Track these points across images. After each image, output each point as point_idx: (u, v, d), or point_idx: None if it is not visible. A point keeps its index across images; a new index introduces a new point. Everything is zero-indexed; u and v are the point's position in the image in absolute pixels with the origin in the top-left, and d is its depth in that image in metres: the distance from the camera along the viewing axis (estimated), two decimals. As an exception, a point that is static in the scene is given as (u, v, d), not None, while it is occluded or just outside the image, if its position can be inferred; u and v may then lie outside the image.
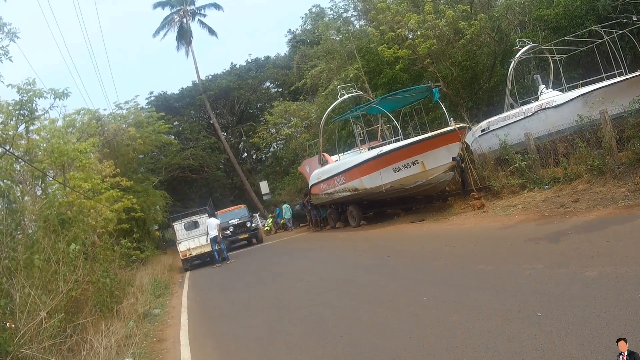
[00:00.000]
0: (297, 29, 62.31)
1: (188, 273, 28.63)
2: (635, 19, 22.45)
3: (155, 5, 66.16)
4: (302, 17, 61.37)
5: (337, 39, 39.77)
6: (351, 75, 35.05)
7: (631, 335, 6.03)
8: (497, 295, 9.36)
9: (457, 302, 9.62)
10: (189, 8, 66.71)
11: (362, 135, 30.91)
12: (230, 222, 39.31)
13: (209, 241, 29.28)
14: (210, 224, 29.18)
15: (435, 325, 8.68)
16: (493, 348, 7.01)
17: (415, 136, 25.48)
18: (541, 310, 7.84)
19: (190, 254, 29.79)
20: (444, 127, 23.38)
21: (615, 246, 10.47)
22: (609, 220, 12.89)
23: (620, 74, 20.77)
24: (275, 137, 55.35)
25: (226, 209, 43.37)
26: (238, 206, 44.70)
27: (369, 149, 28.15)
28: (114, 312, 14.42)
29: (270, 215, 49.96)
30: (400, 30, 32.54)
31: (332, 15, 45.75)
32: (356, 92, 30.90)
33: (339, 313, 11.36)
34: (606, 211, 14.00)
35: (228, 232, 38.00)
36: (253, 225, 41.09)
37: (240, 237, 39.25)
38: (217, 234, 28.71)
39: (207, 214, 31.92)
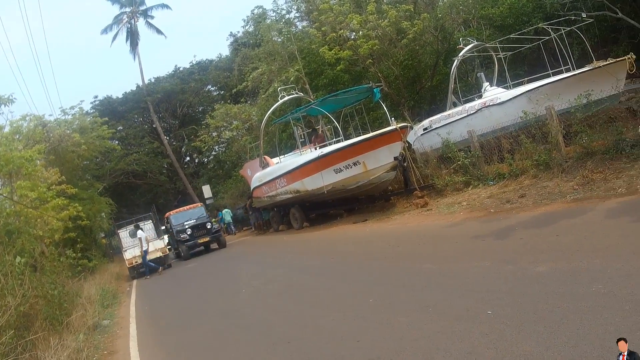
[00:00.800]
0: (238, 32, 61.52)
1: (135, 281, 27.76)
2: (585, 16, 22.38)
3: (107, -1, 64.34)
4: (244, 19, 60.67)
5: (279, 40, 39.17)
6: (292, 77, 34.37)
7: (588, 329, 5.96)
8: (445, 295, 9.08)
9: (404, 303, 9.37)
10: (138, 9, 65.33)
11: (303, 137, 29.84)
12: (185, 224, 33.09)
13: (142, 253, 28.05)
14: (142, 237, 28.11)
15: (383, 327, 8.34)
16: (444, 349, 6.72)
17: (357, 137, 25.10)
18: (491, 309, 7.55)
19: (136, 262, 28.57)
20: (385, 127, 22.90)
21: (566, 240, 10.23)
22: (558, 215, 12.61)
23: (568, 70, 20.59)
24: (217, 140, 54.85)
25: (180, 209, 36.49)
26: (194, 205, 38.63)
27: (314, 145, 27.40)
28: (63, 325, 13.84)
29: (214, 220, 48.71)
30: (342, 31, 31.90)
31: (274, 17, 44.83)
32: (297, 93, 30.13)
33: (286, 318, 11.07)
34: (554, 206, 13.70)
35: (185, 235, 32.45)
36: (214, 226, 34.67)
37: (200, 241, 32.89)
38: (145, 247, 27.82)
39: (150, 221, 31.91)
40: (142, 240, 27.70)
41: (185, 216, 34.23)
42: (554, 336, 6.06)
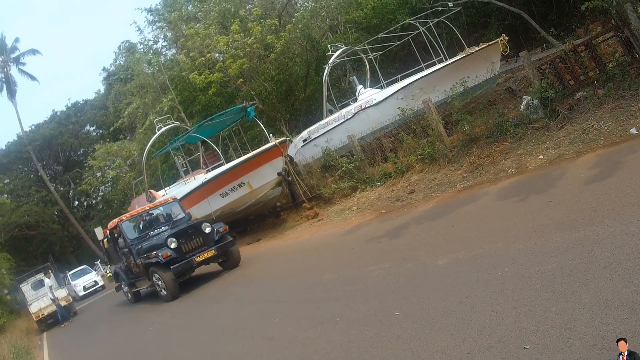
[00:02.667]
0: (111, 66, 59.86)
1: (45, 334, 25.92)
2: (452, 5, 22.18)
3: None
4: (115, 52, 59.22)
5: (149, 72, 38.10)
6: (166, 107, 33.43)
7: (502, 314, 5.84)
8: (349, 303, 8.74)
9: (310, 318, 8.99)
10: (9, 57, 61.85)
11: (185, 165, 28.64)
12: (162, 233, 17.96)
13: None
14: (50, 285, 26.14)
15: (293, 345, 8.03)
16: (359, 358, 6.46)
17: (237, 158, 24.51)
18: (399, 309, 7.34)
19: (42, 314, 26.66)
20: (264, 145, 22.25)
21: (462, 229, 10.04)
22: (451, 205, 12.45)
23: (440, 61, 20.42)
24: (101, 180, 53.09)
25: (137, 210, 21.08)
26: (162, 200, 22.82)
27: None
28: None
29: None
30: (209, 54, 30.73)
31: (142, 49, 43.29)
32: (173, 123, 29.16)
33: (195, 350, 10.37)
34: (445, 196, 13.52)
35: (165, 252, 16.32)
36: (218, 229, 17.68)
37: (199, 258, 16.79)
38: (53, 295, 25.51)
39: (49, 271, 29.70)
40: (51, 289, 25.93)
41: (156, 221, 19.23)
42: (468, 327, 5.90)
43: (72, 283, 39.69)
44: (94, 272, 42.65)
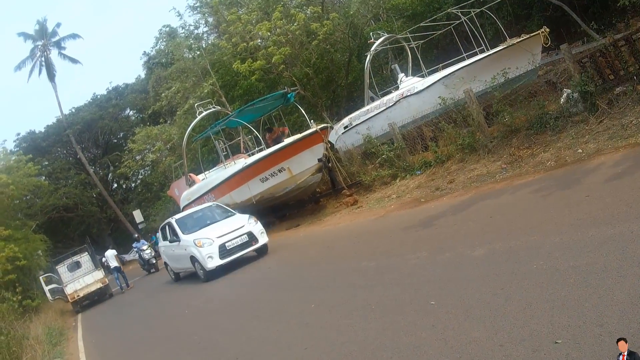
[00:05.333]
0: (152, 50, 59.48)
1: (80, 315, 26.44)
2: None
3: (19, 35, 61.88)
4: (156, 37, 59.58)
5: (190, 56, 38.38)
6: (207, 92, 33.76)
7: (535, 307, 5.89)
8: (386, 291, 8.85)
9: (345, 305, 9.07)
10: (50, 41, 62.81)
11: (225, 150, 28.93)
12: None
13: (106, 274, 28.87)
14: (109, 256, 29.96)
15: (328, 331, 8.17)
16: (392, 346, 6.52)
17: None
18: (434, 299, 7.41)
19: (78, 296, 27.26)
20: (305, 131, 22.32)
21: (500, 221, 10.22)
22: (489, 196, 12.59)
23: (482, 52, 20.50)
24: (141, 164, 53.48)
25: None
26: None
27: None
28: None
29: (148, 244, 47.32)
30: (252, 42, 31.05)
31: (183, 34, 43.71)
32: (214, 107, 29.44)
33: (230, 334, 10.73)
34: (485, 187, 13.62)
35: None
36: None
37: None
38: (117, 264, 29.54)
39: (86, 253, 30.75)
40: (112, 257, 29.82)
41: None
42: (501, 318, 5.97)
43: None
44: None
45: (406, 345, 6.35)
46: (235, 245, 17.23)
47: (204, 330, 12.03)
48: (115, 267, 29.68)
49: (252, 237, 17.61)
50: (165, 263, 22.35)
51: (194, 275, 18.88)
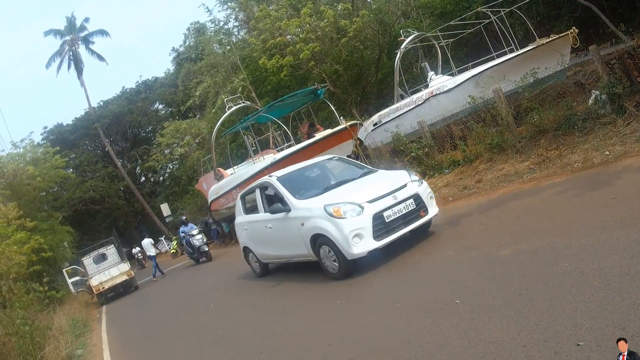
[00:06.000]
0: (180, 46, 60.62)
1: (104, 307, 26.86)
2: None
3: (47, 33, 63.06)
4: (185, 34, 59.99)
5: (220, 51, 38.77)
6: (238, 87, 34.04)
7: (558, 309, 5.91)
8: (411, 288, 8.93)
9: (370, 301, 9.15)
10: (78, 35, 63.88)
11: (254, 145, 29.21)
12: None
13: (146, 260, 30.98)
14: (146, 245, 32.13)
15: (352, 328, 8.15)
16: (416, 344, 6.60)
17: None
18: (459, 298, 7.43)
19: (103, 288, 27.79)
20: (334, 127, 22.53)
21: (526, 221, 10.15)
22: (517, 196, 12.52)
23: (512, 51, 20.38)
24: (169, 157, 53.83)
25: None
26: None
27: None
28: (38, 359, 13.60)
29: (175, 237, 47.77)
30: (281, 38, 31.23)
31: (213, 29, 44.13)
32: (243, 102, 29.51)
33: (255, 329, 10.71)
34: (512, 187, 13.59)
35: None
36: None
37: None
38: (154, 253, 31.47)
39: (113, 245, 31.19)
40: (149, 246, 31.94)
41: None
42: (525, 319, 6.00)
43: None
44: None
45: (429, 343, 6.42)
46: (398, 215, 10.78)
47: (229, 324, 12.15)
48: (153, 255, 31.11)
49: (420, 204, 11.25)
50: (245, 249, 15.86)
51: (220, 269, 19.11)
